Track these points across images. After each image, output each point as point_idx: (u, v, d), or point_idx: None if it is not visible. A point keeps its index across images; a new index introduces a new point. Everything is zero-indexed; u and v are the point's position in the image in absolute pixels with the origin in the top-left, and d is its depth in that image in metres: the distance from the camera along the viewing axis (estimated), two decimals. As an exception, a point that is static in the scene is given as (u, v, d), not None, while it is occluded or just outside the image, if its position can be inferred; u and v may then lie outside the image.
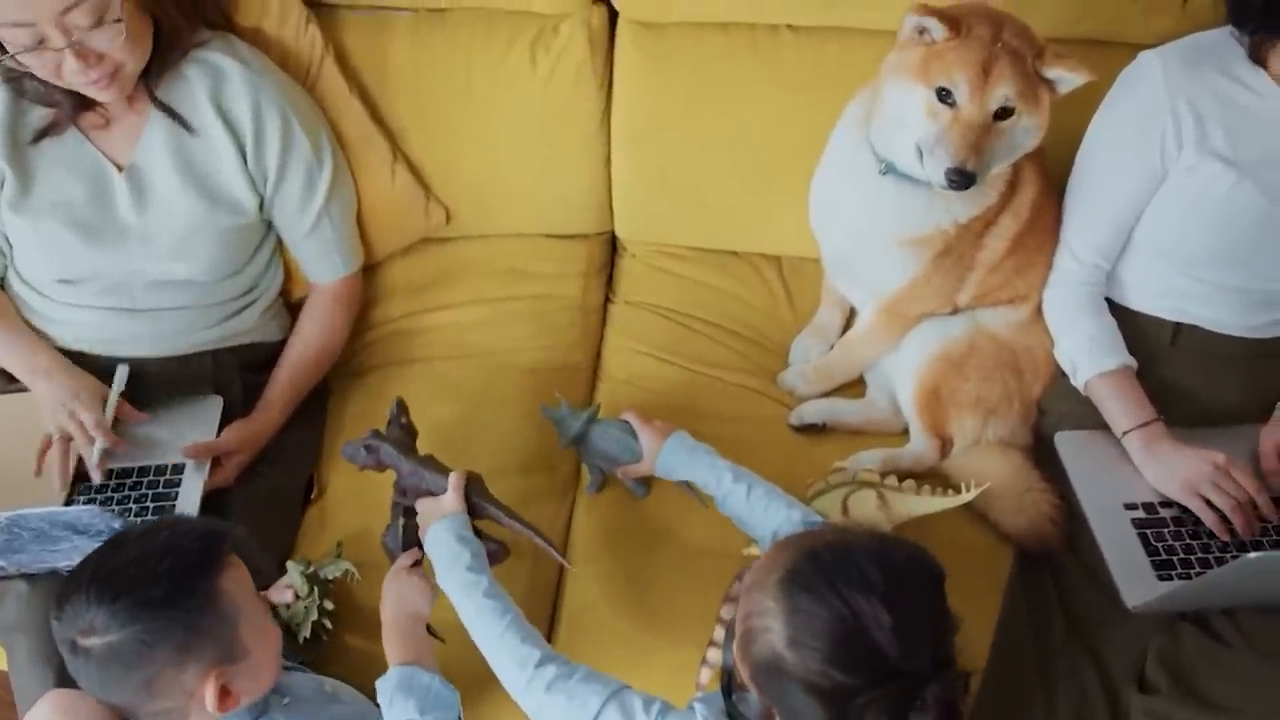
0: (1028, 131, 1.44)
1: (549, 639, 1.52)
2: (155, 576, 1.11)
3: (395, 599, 1.36)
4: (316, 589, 1.44)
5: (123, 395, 1.56)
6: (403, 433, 1.50)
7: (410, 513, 1.45)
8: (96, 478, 1.50)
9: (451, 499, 1.38)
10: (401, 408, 1.52)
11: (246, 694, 1.18)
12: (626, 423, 1.52)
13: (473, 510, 1.40)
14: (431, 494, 1.42)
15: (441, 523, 1.36)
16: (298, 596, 1.38)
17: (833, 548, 1.01)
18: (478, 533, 1.38)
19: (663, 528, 1.60)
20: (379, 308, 1.86)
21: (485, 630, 1.25)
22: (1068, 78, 1.41)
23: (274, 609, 1.37)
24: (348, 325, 1.79)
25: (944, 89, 1.40)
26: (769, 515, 1.35)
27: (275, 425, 1.64)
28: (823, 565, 0.98)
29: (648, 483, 1.62)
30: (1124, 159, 1.51)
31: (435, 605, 1.36)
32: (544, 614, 1.57)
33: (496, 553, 1.42)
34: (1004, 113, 1.41)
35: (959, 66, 1.39)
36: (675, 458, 1.46)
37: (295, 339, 1.72)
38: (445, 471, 1.43)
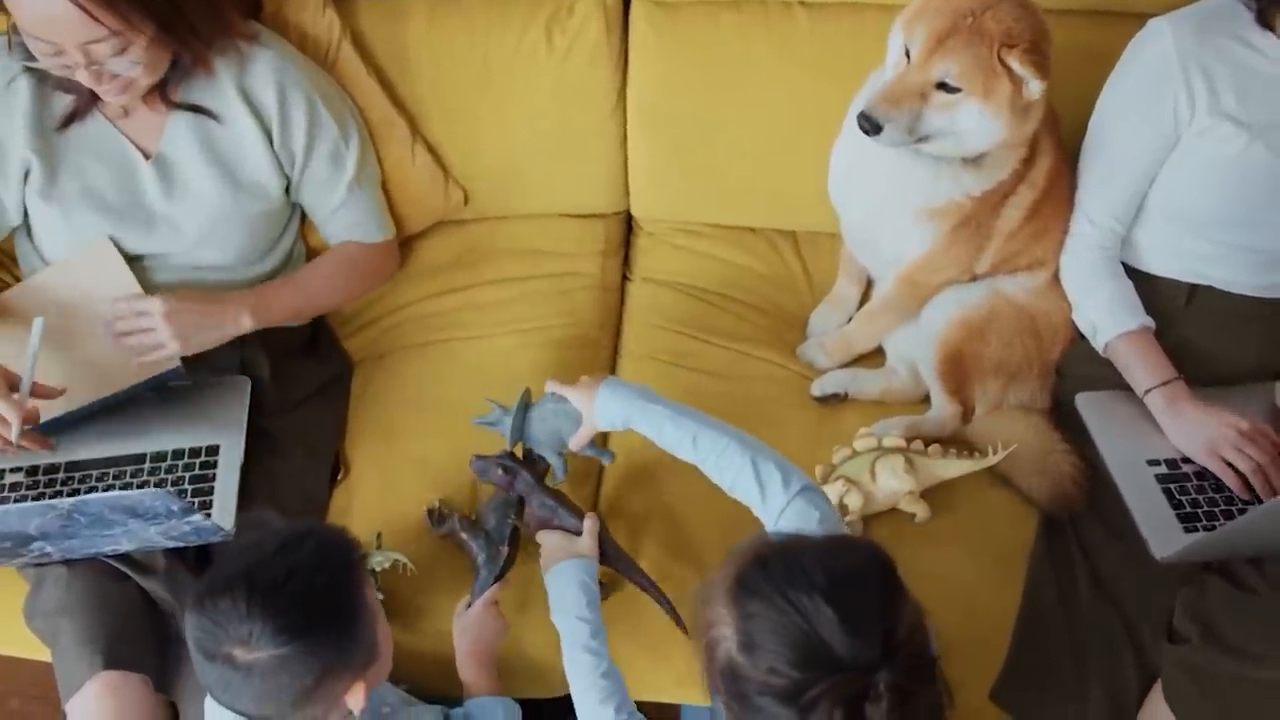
0: (980, 118, 1.43)
1: None
2: (315, 590, 1.11)
3: (478, 634, 1.44)
4: None
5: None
6: (536, 466, 1.52)
7: (515, 540, 1.48)
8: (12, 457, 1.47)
9: (588, 544, 1.44)
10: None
11: (371, 689, 1.19)
12: (555, 394, 1.45)
13: (603, 556, 1.45)
14: (562, 529, 1.46)
15: (572, 563, 1.40)
16: None
17: (780, 552, 1.02)
18: None
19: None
20: (400, 290, 1.87)
21: (575, 676, 1.34)
22: (1026, 76, 1.40)
23: None
24: (364, 280, 1.77)
25: (908, 46, 1.43)
26: (723, 466, 1.30)
27: (230, 317, 1.56)
28: (768, 569, 1.00)
29: (606, 444, 1.57)
30: (1137, 124, 1.54)
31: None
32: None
33: (603, 589, 1.46)
34: (947, 88, 1.42)
35: (921, 27, 1.41)
36: (614, 404, 1.37)
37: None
38: (578, 512, 1.47)
